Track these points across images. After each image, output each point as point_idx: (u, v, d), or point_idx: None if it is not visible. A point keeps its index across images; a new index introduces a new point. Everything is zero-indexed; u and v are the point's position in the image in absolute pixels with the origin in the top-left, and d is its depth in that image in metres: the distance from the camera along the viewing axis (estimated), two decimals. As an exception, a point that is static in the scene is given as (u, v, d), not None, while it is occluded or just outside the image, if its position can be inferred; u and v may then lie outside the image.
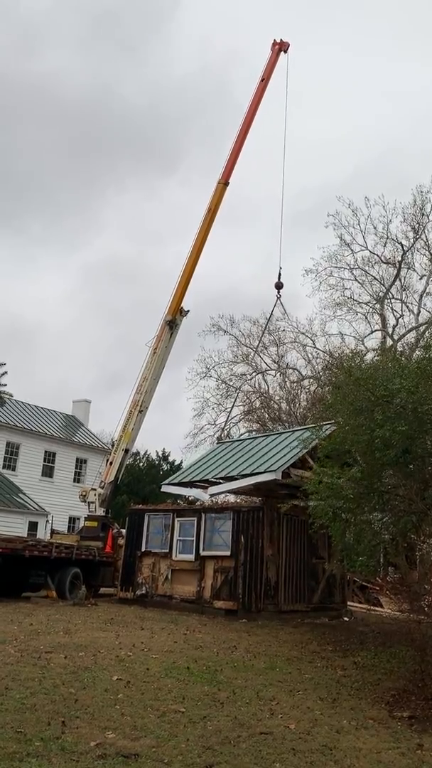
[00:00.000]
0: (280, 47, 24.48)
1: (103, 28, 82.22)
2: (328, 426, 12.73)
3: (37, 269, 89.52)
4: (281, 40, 24.51)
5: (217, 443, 21.82)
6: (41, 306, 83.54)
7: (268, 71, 24.11)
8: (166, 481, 18.70)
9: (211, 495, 16.48)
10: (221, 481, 16.38)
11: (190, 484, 17.51)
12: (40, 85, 75.67)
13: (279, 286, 23.97)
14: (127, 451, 21.54)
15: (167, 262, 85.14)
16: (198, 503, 17.03)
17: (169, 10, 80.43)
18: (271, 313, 27.07)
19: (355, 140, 69.76)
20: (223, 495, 19.16)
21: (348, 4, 73.52)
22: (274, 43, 24.47)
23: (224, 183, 22.64)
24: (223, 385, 36.17)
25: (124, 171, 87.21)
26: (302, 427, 13.64)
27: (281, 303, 24.56)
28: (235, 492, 16.25)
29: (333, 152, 71.16)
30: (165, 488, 18.35)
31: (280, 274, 23.85)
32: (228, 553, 15.23)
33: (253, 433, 32.83)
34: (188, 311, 22.12)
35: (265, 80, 23.93)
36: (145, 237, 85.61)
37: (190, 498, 18.08)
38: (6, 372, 30.19)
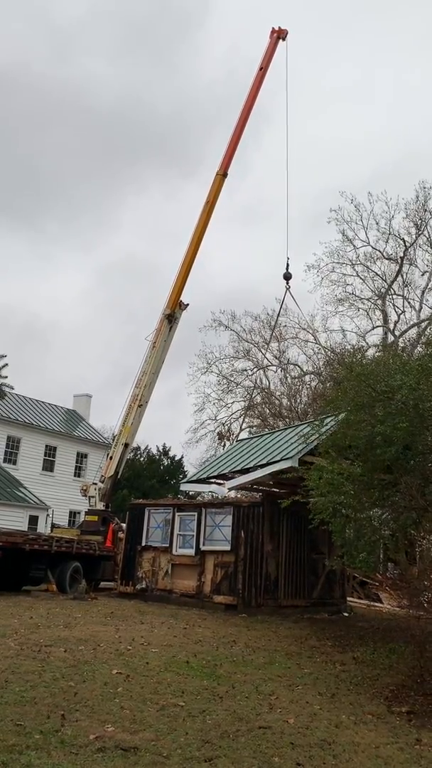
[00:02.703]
0: (279, 35, 23.97)
1: (134, 36, 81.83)
2: (333, 418, 12.55)
3: (53, 268, 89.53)
4: (279, 27, 24.01)
5: (237, 441, 21.80)
6: (57, 304, 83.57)
7: (267, 60, 23.64)
8: (185, 480, 18.80)
9: (230, 489, 16.29)
10: (238, 474, 16.11)
11: (207, 481, 17.44)
12: (68, 90, 75.45)
13: (287, 276, 23.71)
14: (126, 445, 21.56)
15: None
16: (199, 498, 17.03)
17: (199, 18, 79.94)
18: (281, 305, 26.99)
19: (376, 143, 69.22)
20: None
21: (371, 8, 72.87)
22: (273, 31, 23.93)
23: (222, 174, 22.48)
24: (224, 380, 36.22)
25: (145, 173, 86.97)
26: (326, 416, 13.36)
27: (291, 294, 24.41)
28: (253, 483, 15.81)
29: (354, 155, 70.66)
30: (183, 487, 18.35)
31: (288, 265, 23.59)
32: (228, 548, 15.24)
33: (254, 429, 32.85)
34: (188, 305, 22.04)
35: (263, 69, 23.47)
36: (162, 237, 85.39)
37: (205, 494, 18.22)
38: (7, 364, 30.11)
